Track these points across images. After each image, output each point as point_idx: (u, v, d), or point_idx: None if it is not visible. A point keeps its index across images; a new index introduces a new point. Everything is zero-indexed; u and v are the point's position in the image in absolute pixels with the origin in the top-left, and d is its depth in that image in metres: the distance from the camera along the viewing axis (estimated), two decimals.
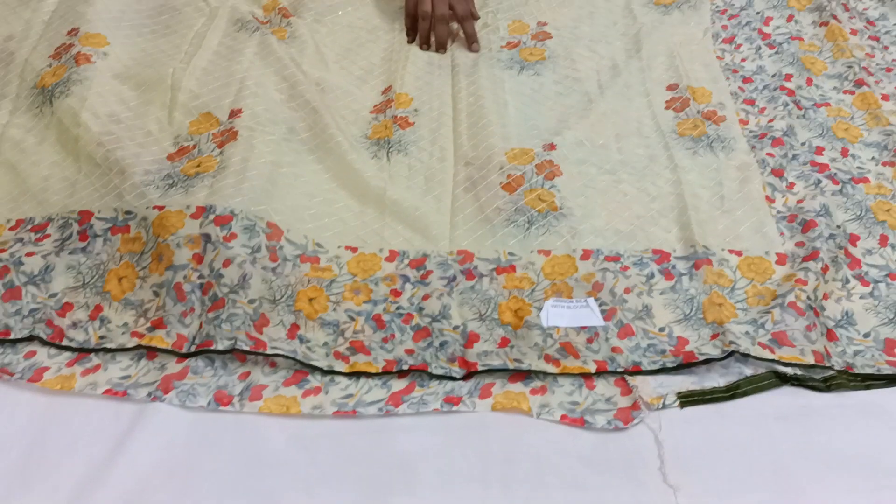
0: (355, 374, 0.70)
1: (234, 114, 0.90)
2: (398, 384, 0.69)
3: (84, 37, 0.99)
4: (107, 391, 0.67)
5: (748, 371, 0.69)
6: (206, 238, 0.75)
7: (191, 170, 0.84)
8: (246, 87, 0.94)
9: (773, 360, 0.69)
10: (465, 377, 0.69)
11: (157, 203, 0.79)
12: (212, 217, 0.77)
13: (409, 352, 0.71)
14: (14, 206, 0.83)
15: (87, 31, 1.00)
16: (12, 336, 0.71)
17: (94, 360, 0.70)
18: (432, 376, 0.69)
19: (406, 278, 0.78)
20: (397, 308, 0.75)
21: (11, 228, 0.81)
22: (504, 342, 0.72)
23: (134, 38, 1.03)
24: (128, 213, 0.79)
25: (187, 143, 0.88)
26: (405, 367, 0.70)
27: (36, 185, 0.84)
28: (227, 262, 0.74)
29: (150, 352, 0.71)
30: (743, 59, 1.07)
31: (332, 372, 0.69)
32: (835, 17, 1.11)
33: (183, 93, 0.93)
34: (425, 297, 0.76)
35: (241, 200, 0.79)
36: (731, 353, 0.69)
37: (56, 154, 0.87)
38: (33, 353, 0.70)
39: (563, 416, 0.66)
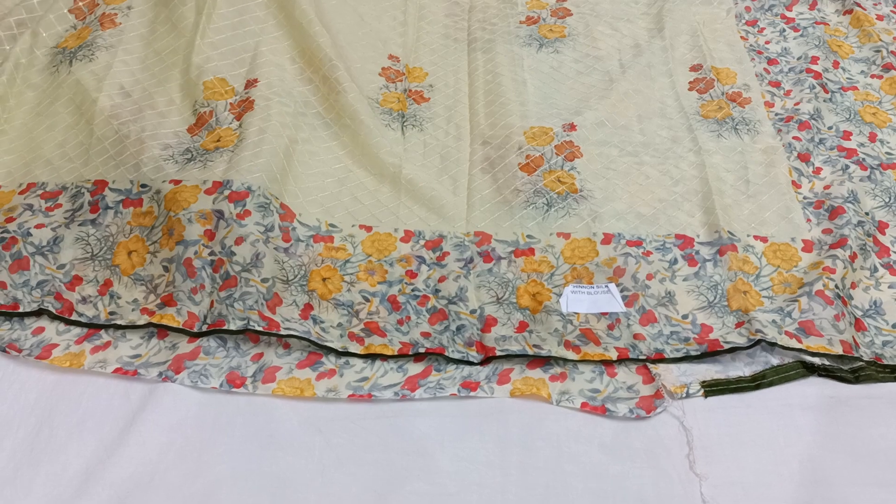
0: (370, 357, 0.68)
1: (249, 84, 0.88)
2: (414, 368, 0.68)
3: None
4: (116, 370, 0.66)
5: (774, 360, 0.67)
6: (219, 214, 0.73)
7: (210, 144, 0.82)
8: (261, 53, 0.91)
9: (800, 350, 0.67)
10: (483, 362, 0.68)
11: (174, 177, 0.77)
12: (227, 193, 0.75)
13: (426, 335, 0.70)
14: (27, 171, 0.81)
15: None
16: (21, 309, 0.69)
17: (104, 336, 0.69)
18: (449, 360, 0.68)
19: (422, 259, 0.76)
20: (413, 290, 0.73)
21: (21, 192, 0.79)
22: (522, 326, 0.70)
23: None
24: (143, 186, 0.77)
25: (204, 108, 0.86)
26: (421, 350, 0.68)
27: (51, 150, 0.82)
28: (239, 240, 0.72)
29: (161, 330, 0.69)
30: (767, 42, 1.04)
31: (346, 353, 0.68)
32: (858, 4, 1.08)
33: (197, 54, 0.90)
34: (441, 279, 0.74)
35: (258, 176, 0.77)
36: (758, 342, 0.67)
37: (70, 116, 0.85)
38: (41, 330, 0.69)
39: (583, 404, 0.65)
